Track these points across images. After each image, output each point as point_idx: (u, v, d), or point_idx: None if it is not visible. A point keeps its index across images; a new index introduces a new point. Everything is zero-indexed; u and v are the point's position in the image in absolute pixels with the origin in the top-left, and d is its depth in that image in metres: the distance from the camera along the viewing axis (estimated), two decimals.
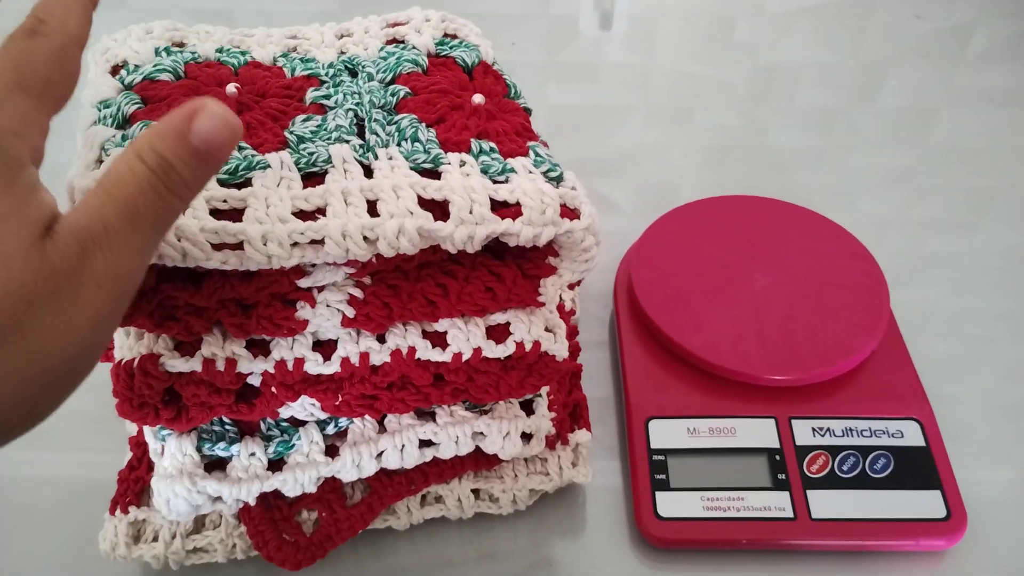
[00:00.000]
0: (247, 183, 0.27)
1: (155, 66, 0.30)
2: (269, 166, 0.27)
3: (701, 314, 0.42)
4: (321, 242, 0.26)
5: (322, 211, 0.27)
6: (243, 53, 0.33)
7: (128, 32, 0.32)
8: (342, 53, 0.34)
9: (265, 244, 0.25)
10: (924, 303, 0.48)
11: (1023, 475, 0.40)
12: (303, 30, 0.36)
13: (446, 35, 0.35)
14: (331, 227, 0.26)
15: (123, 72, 0.31)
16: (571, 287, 0.45)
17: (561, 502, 0.39)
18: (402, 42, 0.34)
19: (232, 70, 0.31)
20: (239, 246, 0.25)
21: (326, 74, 0.32)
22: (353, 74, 0.32)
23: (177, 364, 0.28)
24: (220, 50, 0.33)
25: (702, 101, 0.63)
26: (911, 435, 0.39)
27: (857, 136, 0.60)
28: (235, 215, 0.26)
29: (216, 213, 0.26)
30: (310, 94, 0.30)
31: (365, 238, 0.26)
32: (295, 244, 0.26)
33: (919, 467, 0.38)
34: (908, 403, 0.40)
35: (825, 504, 0.37)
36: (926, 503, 0.37)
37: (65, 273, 0.19)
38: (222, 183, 0.26)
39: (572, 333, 0.42)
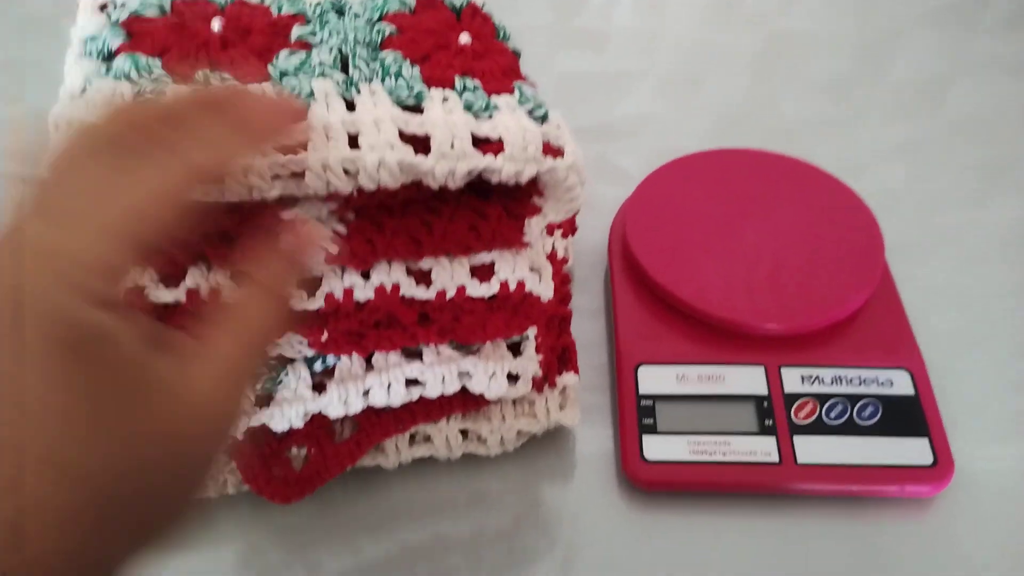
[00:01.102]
0: None
1: (141, 2, 0.30)
2: None
3: (693, 263, 0.42)
4: (302, 175, 0.26)
5: (304, 144, 0.27)
6: None
7: None
8: None
9: (246, 176, 0.26)
10: (932, 276, 0.47)
11: (1012, 427, 0.40)
12: None
13: None
14: (312, 159, 0.26)
15: (110, 8, 0.31)
16: (565, 235, 0.45)
17: (550, 445, 0.40)
18: None
19: (219, 7, 0.31)
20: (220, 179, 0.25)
21: (312, 12, 0.32)
22: (340, 13, 0.32)
23: (162, 295, 0.29)
24: None
25: (712, 69, 0.62)
26: (901, 384, 0.39)
27: (868, 106, 0.58)
28: None
29: None
30: (295, 31, 0.30)
31: (346, 171, 0.27)
32: (276, 176, 0.26)
33: (907, 415, 0.38)
34: (899, 353, 0.40)
35: (811, 449, 0.37)
36: (913, 450, 0.37)
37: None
38: None
39: (564, 280, 0.43)
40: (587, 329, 0.44)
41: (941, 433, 0.37)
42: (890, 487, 0.36)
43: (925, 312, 0.43)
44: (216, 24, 0.30)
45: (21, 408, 0.18)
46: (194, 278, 0.29)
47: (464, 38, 0.32)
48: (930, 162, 0.54)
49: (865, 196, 0.46)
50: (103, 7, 0.32)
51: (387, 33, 0.31)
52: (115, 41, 0.29)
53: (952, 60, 0.62)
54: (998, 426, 0.40)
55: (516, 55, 0.34)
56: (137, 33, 0.29)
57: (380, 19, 0.32)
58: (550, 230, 0.43)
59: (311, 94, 0.28)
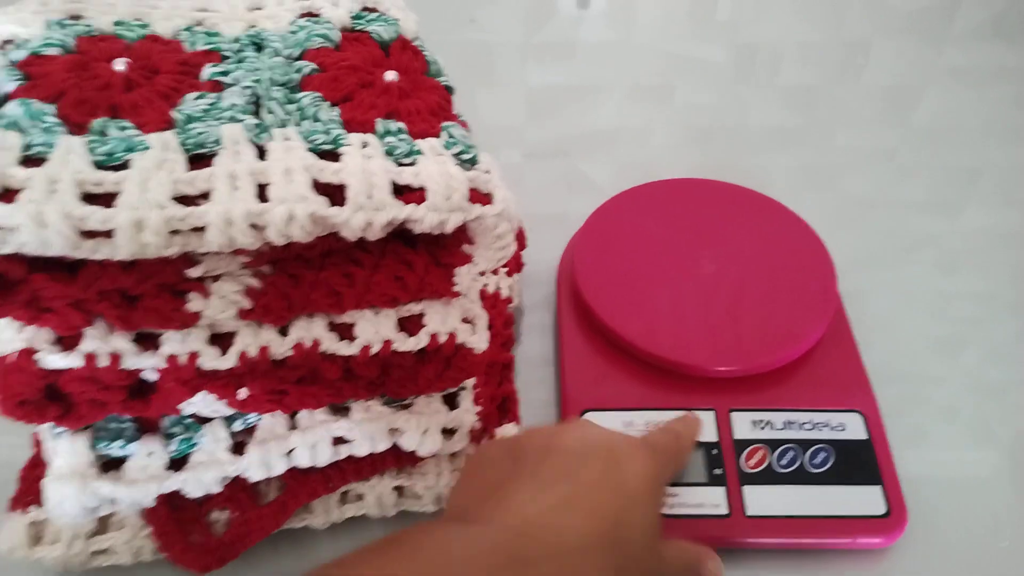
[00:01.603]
0: (124, 165, 0.25)
1: (43, 41, 0.28)
2: (151, 147, 0.25)
3: (642, 302, 0.41)
4: (203, 229, 0.24)
5: (207, 196, 0.25)
6: (143, 26, 0.31)
7: (21, 5, 0.30)
8: (251, 27, 0.31)
9: (140, 232, 0.23)
10: (897, 285, 0.47)
11: (966, 471, 0.39)
12: (214, 2, 0.33)
13: (365, 8, 0.33)
14: (213, 213, 0.24)
15: (10, 47, 0.28)
16: (510, 273, 0.43)
17: None
18: (316, 15, 0.32)
19: (127, 44, 0.29)
20: (111, 234, 0.23)
21: (229, 49, 0.30)
22: (259, 49, 0.30)
23: (55, 359, 0.26)
24: (119, 23, 0.30)
25: (683, 80, 0.61)
26: (853, 428, 0.37)
27: (839, 115, 0.58)
28: (109, 200, 0.24)
29: (88, 198, 0.24)
30: (207, 70, 0.28)
31: (252, 225, 0.25)
32: (175, 232, 0.24)
33: (860, 462, 0.36)
34: (852, 395, 0.39)
35: (761, 500, 0.35)
36: (865, 499, 0.35)
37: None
38: (98, 165, 0.25)
39: (508, 322, 0.41)
40: (537, 371, 0.43)
41: (894, 480, 0.36)
42: (842, 539, 0.35)
43: (885, 327, 0.43)
44: (120, 64, 0.27)
45: None
46: (92, 341, 0.26)
47: (390, 75, 0.30)
48: (896, 171, 0.54)
49: (831, 206, 0.46)
50: (4, 44, 0.29)
51: (307, 72, 0.29)
52: (9, 85, 0.27)
53: (920, 70, 0.62)
54: (952, 465, 0.39)
55: (448, 91, 0.32)
56: (35, 75, 0.27)
57: (301, 56, 0.30)
58: (495, 269, 0.41)
59: (218, 141, 0.26)
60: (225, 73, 0.28)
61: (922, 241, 0.49)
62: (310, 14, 0.33)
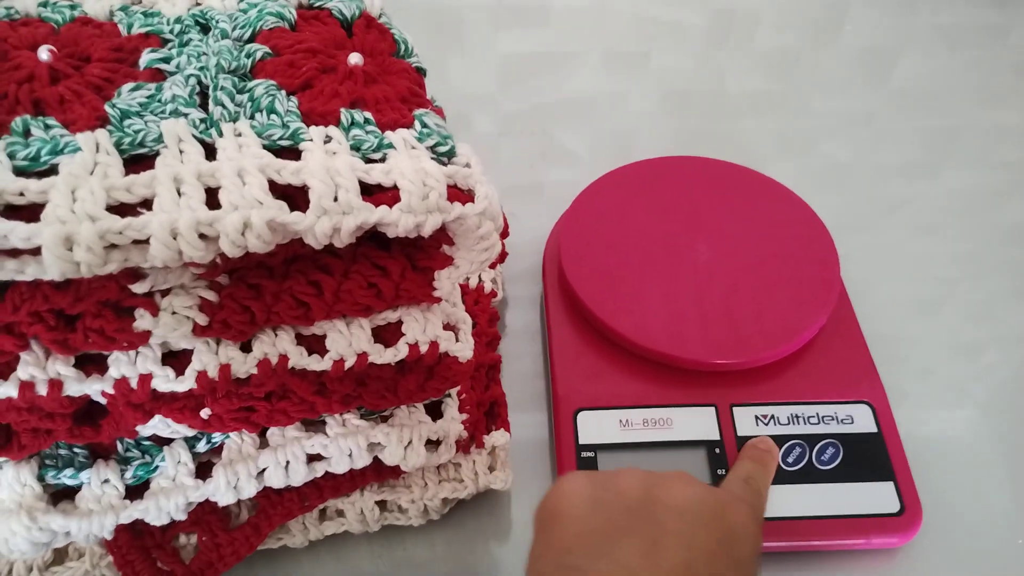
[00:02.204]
0: (51, 171, 0.22)
1: None
2: (80, 149, 0.22)
3: (635, 292, 0.38)
4: (146, 242, 0.21)
5: (148, 203, 0.22)
6: (72, 7, 0.27)
7: None
8: (196, 5, 0.28)
9: (70, 249, 0.20)
10: (878, 249, 0.46)
11: (945, 429, 0.37)
12: None
13: None
14: (156, 224, 0.21)
15: None
16: (492, 265, 0.40)
17: (483, 505, 0.36)
18: None
19: (54, 28, 0.26)
20: (38, 251, 0.20)
21: (171, 31, 0.27)
22: (205, 31, 0.27)
23: None
24: (44, 3, 0.27)
25: (658, 45, 0.59)
26: (862, 420, 0.35)
27: (818, 80, 0.57)
28: (34, 212, 0.21)
29: (9, 210, 0.21)
30: (145, 57, 0.25)
31: (202, 236, 0.22)
32: (112, 246, 0.21)
33: (870, 456, 0.34)
34: (859, 384, 0.36)
35: (768, 502, 0.33)
36: (878, 496, 0.33)
37: None
38: (19, 171, 0.21)
39: (492, 319, 0.38)
40: (525, 358, 0.40)
41: (907, 474, 0.34)
42: (856, 540, 0.33)
43: (870, 290, 0.43)
44: (44, 53, 0.24)
45: None
46: (27, 368, 0.24)
47: (354, 59, 0.27)
48: (876, 134, 0.53)
49: (810, 171, 0.45)
50: None
51: (259, 56, 0.26)
52: None
53: (896, 32, 0.60)
54: (932, 423, 0.38)
55: (420, 74, 0.29)
56: None
57: (252, 38, 0.27)
58: None
59: (159, 139, 0.23)
60: (166, 60, 0.25)
61: (901, 203, 0.48)
62: None
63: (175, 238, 0.21)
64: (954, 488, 0.35)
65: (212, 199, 0.22)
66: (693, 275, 0.39)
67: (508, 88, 0.55)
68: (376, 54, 0.28)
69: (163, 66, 0.25)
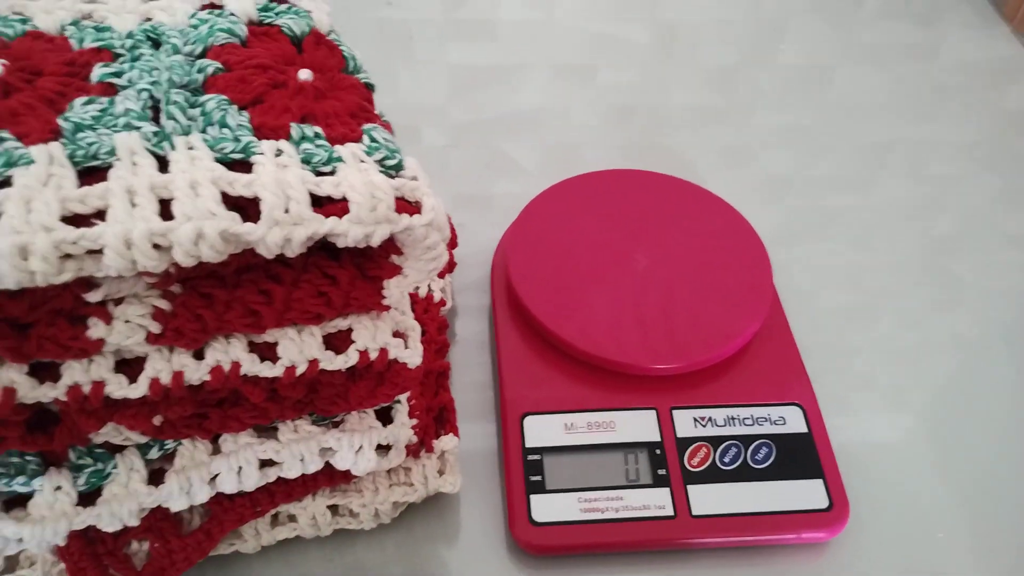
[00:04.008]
0: (5, 183, 0.22)
1: None
2: (34, 161, 0.23)
3: (579, 301, 0.40)
4: (100, 252, 0.22)
5: (103, 214, 0.22)
6: (23, 21, 0.28)
7: None
8: (146, 20, 0.29)
9: (25, 259, 0.21)
10: (816, 259, 0.48)
11: (886, 435, 0.39)
12: None
13: None
14: (110, 234, 0.22)
15: None
16: (442, 274, 0.41)
17: (432, 509, 0.37)
18: (219, 7, 0.30)
19: (3, 42, 0.26)
20: None
21: (122, 46, 0.27)
22: (156, 46, 0.28)
23: None
24: None
25: (603, 59, 0.61)
26: (793, 421, 0.37)
27: (757, 95, 0.59)
28: None
29: None
30: (97, 71, 0.26)
31: (156, 246, 0.22)
32: (67, 256, 0.22)
33: (801, 455, 0.36)
34: (790, 387, 0.38)
35: (705, 499, 0.35)
36: (808, 493, 0.35)
37: None
38: None
39: (442, 327, 0.39)
40: (474, 368, 0.41)
41: (835, 472, 0.36)
42: (787, 535, 0.34)
43: (805, 300, 0.45)
44: None
45: None
46: None
47: (304, 74, 0.28)
48: (814, 147, 0.55)
49: (751, 183, 0.47)
50: None
51: (211, 71, 0.27)
52: None
53: (833, 48, 0.63)
54: (874, 431, 0.39)
55: (369, 89, 0.30)
56: None
57: (204, 54, 0.28)
58: None
59: (112, 151, 0.24)
60: (118, 74, 0.26)
61: (836, 216, 0.51)
62: (212, 5, 0.30)
63: (129, 248, 0.22)
64: (881, 486, 0.38)
65: (165, 211, 0.23)
66: (634, 284, 0.40)
67: (457, 101, 0.57)
68: (326, 70, 0.29)
69: (115, 80, 0.26)
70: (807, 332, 0.42)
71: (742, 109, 0.58)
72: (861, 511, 0.36)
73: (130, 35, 0.28)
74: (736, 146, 0.55)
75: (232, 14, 0.29)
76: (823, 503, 0.35)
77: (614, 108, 0.57)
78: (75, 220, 0.22)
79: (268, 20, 0.30)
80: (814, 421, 0.37)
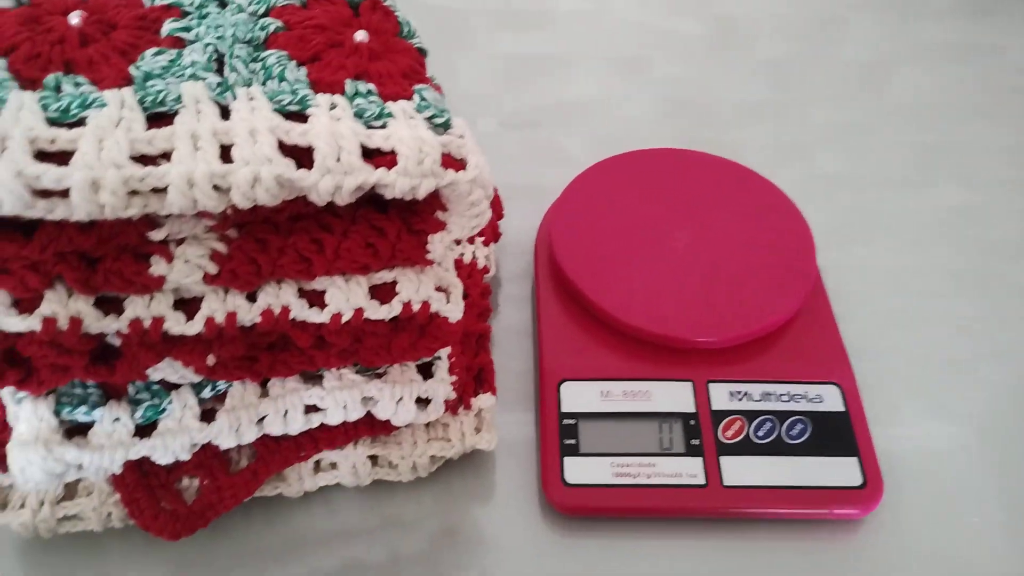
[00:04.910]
0: (80, 123, 0.24)
1: None
2: (107, 104, 0.24)
3: (620, 273, 0.40)
4: (164, 190, 0.23)
5: (168, 156, 0.24)
6: None
7: None
8: None
9: (96, 192, 0.23)
10: (869, 260, 0.47)
11: (943, 442, 0.39)
12: None
13: None
14: (174, 174, 0.23)
15: None
16: (487, 242, 0.42)
17: (469, 467, 0.38)
18: None
19: None
20: (67, 193, 0.23)
21: (191, 4, 0.29)
22: (223, 5, 0.29)
23: (13, 322, 0.25)
24: None
25: (658, 52, 0.61)
26: (831, 400, 0.37)
27: (815, 89, 0.58)
28: (64, 158, 0.23)
29: (42, 156, 0.23)
30: (167, 25, 0.27)
31: (216, 187, 0.24)
32: (134, 192, 0.23)
33: (837, 433, 0.36)
34: (829, 367, 0.38)
35: (737, 471, 0.35)
36: (842, 470, 0.35)
37: None
38: (52, 122, 0.24)
39: (484, 292, 0.40)
40: (515, 341, 0.42)
41: (871, 452, 0.36)
42: (819, 510, 0.35)
43: (858, 302, 0.44)
44: (75, 18, 0.26)
45: None
46: (51, 305, 0.26)
47: (360, 35, 0.29)
48: (870, 146, 0.54)
49: (805, 181, 0.46)
50: None
51: (272, 29, 0.28)
52: None
53: (894, 45, 0.62)
54: (927, 439, 0.39)
55: (422, 54, 0.31)
56: None
57: (266, 13, 0.29)
58: (471, 238, 0.41)
59: (179, 99, 0.25)
60: (187, 29, 0.27)
61: (892, 215, 0.50)
62: None
63: (191, 187, 0.23)
64: (916, 470, 0.37)
65: (226, 156, 0.24)
66: (676, 258, 0.41)
67: (510, 89, 0.57)
68: (380, 33, 0.30)
69: (183, 35, 0.27)
70: (855, 330, 0.41)
71: (796, 105, 0.57)
72: (895, 492, 0.36)
73: None
74: (789, 142, 0.54)
75: None
76: (857, 480, 0.35)
77: (667, 100, 0.57)
78: (143, 160, 0.24)
79: None
80: (851, 401, 0.37)
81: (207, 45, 0.27)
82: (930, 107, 0.57)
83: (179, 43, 0.27)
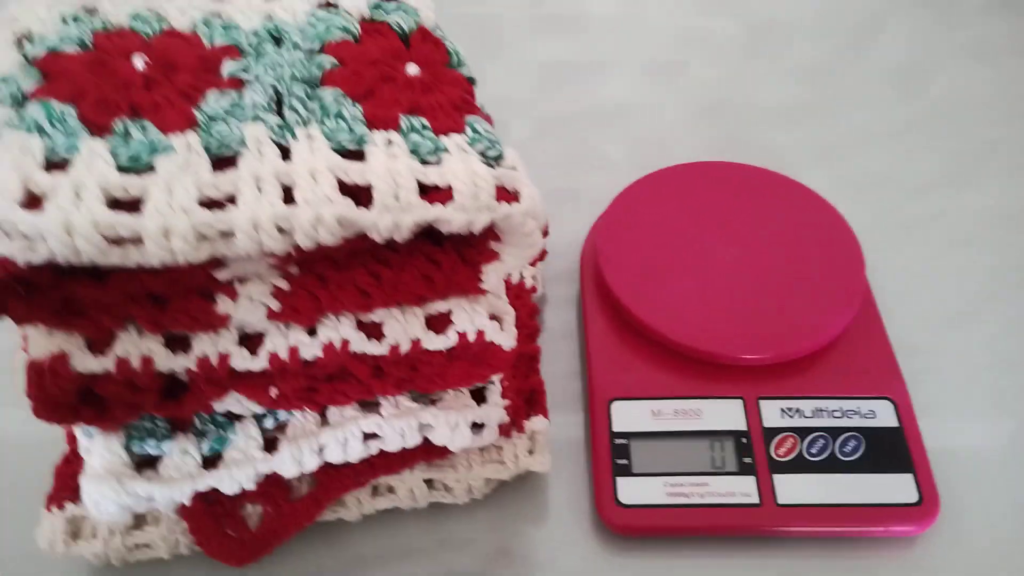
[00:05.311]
0: (149, 169, 0.25)
1: (60, 37, 0.28)
2: (175, 150, 0.25)
3: (667, 289, 0.40)
4: (231, 234, 0.24)
5: (233, 199, 0.25)
6: (160, 20, 0.30)
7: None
8: (269, 19, 0.31)
9: (167, 239, 0.23)
10: (912, 263, 0.47)
11: (1001, 453, 0.38)
12: None
13: None
14: (240, 218, 0.24)
15: (27, 44, 0.28)
16: (533, 263, 0.43)
17: (522, 488, 0.38)
18: (334, 6, 0.32)
19: (145, 38, 0.29)
20: (140, 240, 0.23)
21: (248, 43, 0.29)
22: (278, 42, 0.30)
23: (89, 363, 0.26)
24: (135, 16, 0.30)
25: (694, 55, 0.61)
26: (884, 415, 0.37)
27: (853, 91, 0.58)
28: (135, 205, 0.24)
29: (114, 204, 0.24)
30: (227, 66, 0.28)
31: (279, 228, 0.24)
32: (202, 237, 0.24)
33: (891, 449, 0.36)
34: (882, 381, 0.38)
35: (792, 489, 0.35)
36: (897, 487, 0.35)
37: None
38: (123, 169, 0.24)
39: (532, 312, 0.41)
40: (561, 358, 0.43)
41: (926, 467, 0.35)
42: (875, 527, 0.34)
43: (905, 308, 0.44)
44: (139, 62, 0.27)
45: None
46: (124, 345, 0.26)
47: (412, 69, 0.29)
48: (911, 148, 0.54)
49: (845, 183, 0.46)
50: (21, 40, 0.29)
51: (327, 67, 0.29)
52: (28, 84, 0.26)
53: (933, 47, 0.61)
54: (973, 438, 0.39)
55: (470, 83, 0.32)
56: (53, 74, 0.27)
57: (321, 50, 0.30)
58: None
59: (242, 141, 0.26)
60: (245, 69, 0.28)
61: (935, 217, 0.49)
62: (328, 4, 0.33)
63: (257, 231, 0.24)
64: (974, 486, 0.37)
65: (288, 196, 0.25)
66: (724, 274, 0.41)
67: (545, 94, 0.58)
68: (431, 64, 0.31)
69: (242, 75, 0.28)
70: (902, 331, 0.41)
71: (837, 105, 0.57)
72: (952, 509, 0.36)
73: (255, 33, 0.30)
74: (829, 143, 0.54)
75: (347, 13, 0.31)
76: (912, 497, 0.35)
77: (703, 103, 0.57)
78: (208, 204, 0.24)
79: (379, 17, 0.31)
80: (905, 416, 0.37)
81: (266, 85, 0.27)
82: (973, 105, 0.56)
83: (239, 84, 0.28)
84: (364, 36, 0.31)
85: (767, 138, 0.54)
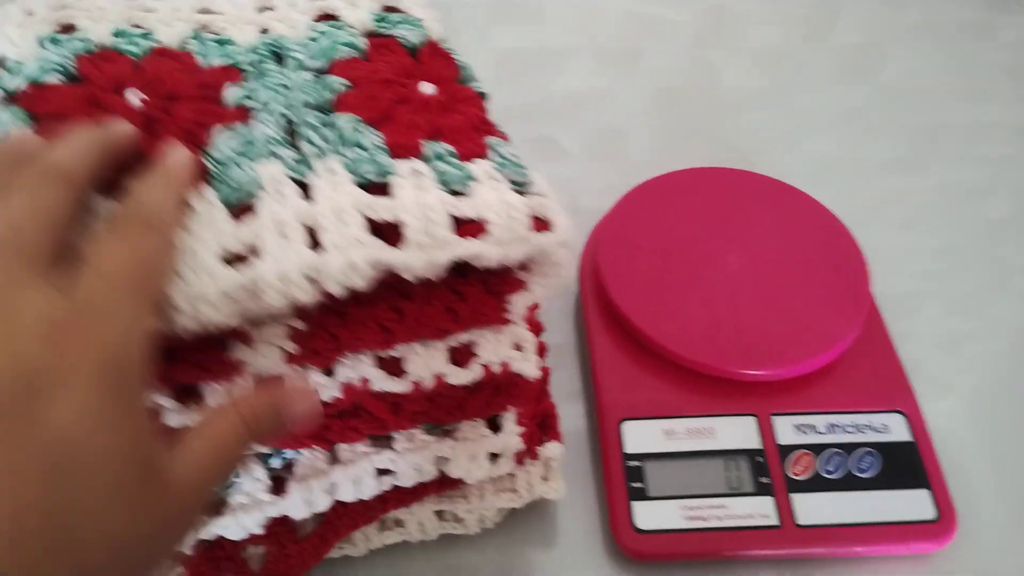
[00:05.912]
0: None
1: (40, 65, 0.25)
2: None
3: (675, 305, 0.39)
4: (259, 291, 0.22)
5: (255, 250, 0.22)
6: (145, 36, 0.28)
7: (5, 15, 0.27)
8: (264, 31, 0.29)
9: (198, 307, 0.21)
10: (873, 240, 0.45)
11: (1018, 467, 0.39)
12: (215, 2, 0.30)
13: (386, 8, 0.31)
14: (267, 273, 0.22)
15: (3, 72, 0.25)
16: None
17: (531, 513, 0.37)
18: (334, 18, 0.29)
19: (133, 63, 0.26)
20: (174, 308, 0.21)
21: (248, 62, 0.27)
22: (279, 59, 0.28)
23: None
24: (117, 33, 0.27)
25: (650, 41, 0.60)
26: (897, 429, 0.37)
27: (808, 75, 0.58)
28: None
29: None
30: (230, 93, 0.26)
31: (309, 278, 0.22)
32: (230, 299, 0.22)
33: (906, 464, 0.36)
34: (892, 395, 0.38)
35: (810, 509, 0.35)
36: (914, 504, 0.35)
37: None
38: None
39: (538, 331, 0.39)
40: (562, 375, 0.41)
41: (941, 482, 0.35)
42: (895, 546, 0.34)
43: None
44: (134, 99, 0.25)
45: None
46: None
47: (426, 88, 0.27)
48: (867, 128, 0.54)
49: (803, 166, 0.47)
50: None
51: (339, 89, 0.26)
52: (15, 128, 0.24)
53: (885, 31, 0.61)
54: (999, 462, 0.39)
55: (482, 98, 0.30)
56: (41, 115, 0.24)
57: (328, 68, 0.27)
58: None
59: (259, 184, 0.23)
60: (250, 96, 0.26)
61: (888, 198, 0.50)
62: (327, 16, 0.30)
63: (286, 285, 0.22)
64: (989, 496, 0.37)
65: (313, 240, 0.23)
66: (729, 288, 0.40)
67: (501, 84, 0.55)
68: (442, 81, 0.29)
69: (248, 103, 0.26)
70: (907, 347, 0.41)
71: (791, 90, 0.56)
72: (970, 519, 0.36)
73: (253, 49, 0.28)
74: (785, 128, 0.54)
75: (350, 26, 0.29)
76: (930, 514, 0.35)
77: (660, 91, 0.56)
78: (231, 260, 0.22)
79: (385, 31, 0.29)
80: (918, 430, 0.37)
81: (274, 114, 0.25)
82: (925, 88, 0.57)
83: (245, 114, 0.25)
84: (372, 52, 0.29)
85: (722, 124, 0.54)
